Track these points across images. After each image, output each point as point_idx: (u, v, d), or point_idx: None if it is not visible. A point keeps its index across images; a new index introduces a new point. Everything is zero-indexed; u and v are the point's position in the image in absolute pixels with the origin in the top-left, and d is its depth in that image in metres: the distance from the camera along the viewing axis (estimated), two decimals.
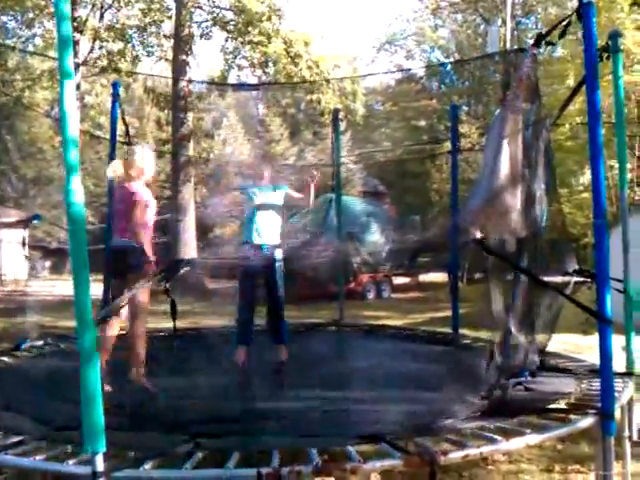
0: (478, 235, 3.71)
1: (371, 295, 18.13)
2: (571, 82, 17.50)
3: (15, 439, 3.39)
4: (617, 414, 3.84)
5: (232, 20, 19.99)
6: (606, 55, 5.11)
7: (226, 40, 20.68)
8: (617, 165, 5.58)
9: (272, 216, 5.87)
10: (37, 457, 3.12)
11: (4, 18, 24.81)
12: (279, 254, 5.85)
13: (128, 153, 5.67)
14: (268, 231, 5.82)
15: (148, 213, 5.20)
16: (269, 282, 5.79)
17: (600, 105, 4.03)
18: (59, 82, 2.89)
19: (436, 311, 11.45)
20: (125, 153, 5.96)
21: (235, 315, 5.96)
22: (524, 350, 4.38)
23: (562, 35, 4.42)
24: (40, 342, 6.63)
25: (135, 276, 4.85)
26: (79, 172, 2.84)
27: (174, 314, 5.97)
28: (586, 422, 3.62)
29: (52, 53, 26.59)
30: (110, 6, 23.91)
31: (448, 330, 7.47)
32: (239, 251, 6.09)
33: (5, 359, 5.86)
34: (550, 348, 5.02)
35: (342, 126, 19.53)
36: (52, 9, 22.29)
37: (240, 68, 20.95)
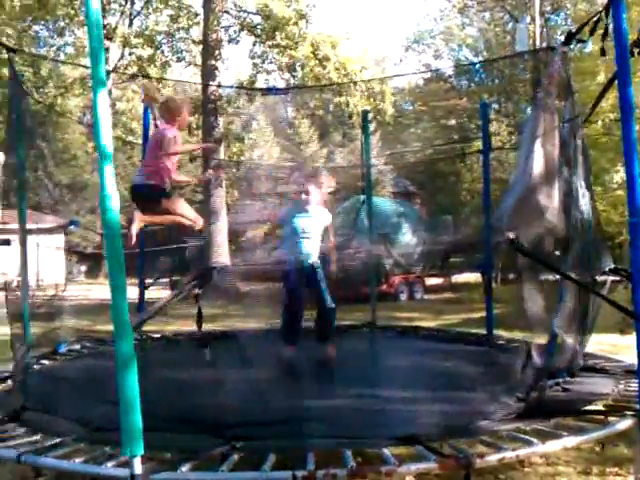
0: (512, 236, 3.67)
1: (403, 296, 18.04)
2: (602, 78, 17.26)
3: (54, 441, 3.46)
4: None
5: (259, 24, 20.11)
6: (638, 50, 5.03)
7: (254, 44, 20.81)
8: None
9: (314, 238, 6.04)
10: (76, 460, 3.17)
11: (36, 27, 25.26)
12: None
13: (168, 98, 6.07)
14: (311, 249, 5.98)
15: (171, 151, 5.38)
16: (312, 285, 5.88)
17: (633, 101, 3.97)
18: (92, 91, 2.93)
19: (470, 312, 11.35)
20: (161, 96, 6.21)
21: (275, 317, 6.06)
22: (569, 351, 4.33)
23: (592, 32, 4.37)
24: (78, 345, 6.74)
25: (150, 210, 5.43)
26: (113, 178, 2.89)
27: (200, 321, 6.09)
28: (624, 424, 3.57)
29: (83, 60, 27.08)
30: (139, 13, 24.24)
31: (482, 331, 7.40)
32: (279, 255, 6.23)
33: (44, 362, 5.97)
34: (587, 348, 4.96)
35: (371, 127, 19.49)
36: (82, 17, 22.69)
37: (268, 72, 21.04)
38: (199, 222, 5.74)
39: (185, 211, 5.58)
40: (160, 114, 5.75)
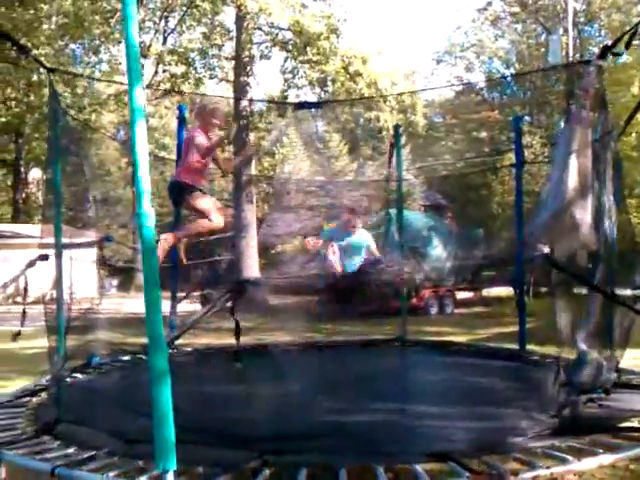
0: (546, 250, 3.64)
1: (434, 310, 17.93)
2: (636, 90, 17.06)
3: (88, 454, 3.50)
4: None
5: (291, 40, 20.28)
6: None
7: (285, 60, 21.00)
8: None
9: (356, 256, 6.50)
10: (110, 473, 3.19)
11: (72, 46, 25.80)
12: None
13: (200, 105, 6.73)
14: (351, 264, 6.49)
15: (202, 156, 5.91)
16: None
17: None
18: (130, 111, 2.98)
19: (501, 326, 11.23)
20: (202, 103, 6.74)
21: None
22: (598, 367, 4.26)
23: (628, 45, 4.33)
24: (109, 359, 6.82)
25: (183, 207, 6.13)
26: (149, 195, 2.94)
27: (238, 333, 6.15)
28: None
29: (117, 77, 27.55)
30: (173, 30, 24.62)
31: (514, 346, 7.32)
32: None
33: (78, 375, 6.04)
34: (622, 364, 4.87)
35: (402, 140, 19.50)
36: (117, 35, 23.12)
37: (299, 87, 21.20)
38: (219, 220, 6.01)
39: (206, 206, 5.87)
40: (195, 118, 6.38)
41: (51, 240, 5.65)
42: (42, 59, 16.76)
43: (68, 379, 5.75)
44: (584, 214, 3.94)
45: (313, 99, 21.74)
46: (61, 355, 5.61)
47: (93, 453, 3.50)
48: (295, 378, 5.49)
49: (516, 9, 33.44)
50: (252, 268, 18.77)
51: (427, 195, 31.38)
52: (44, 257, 5.40)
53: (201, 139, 5.93)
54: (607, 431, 3.64)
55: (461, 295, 19.05)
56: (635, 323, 4.44)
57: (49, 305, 5.74)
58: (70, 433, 3.94)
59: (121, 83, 19.52)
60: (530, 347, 7.16)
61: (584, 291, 4.59)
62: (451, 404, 4.53)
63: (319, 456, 3.46)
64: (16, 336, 5.45)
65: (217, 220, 5.99)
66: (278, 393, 4.98)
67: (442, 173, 30.63)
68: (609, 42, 4.80)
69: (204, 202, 5.96)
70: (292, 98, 21.71)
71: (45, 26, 22.10)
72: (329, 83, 20.30)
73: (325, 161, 33.77)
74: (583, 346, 4.18)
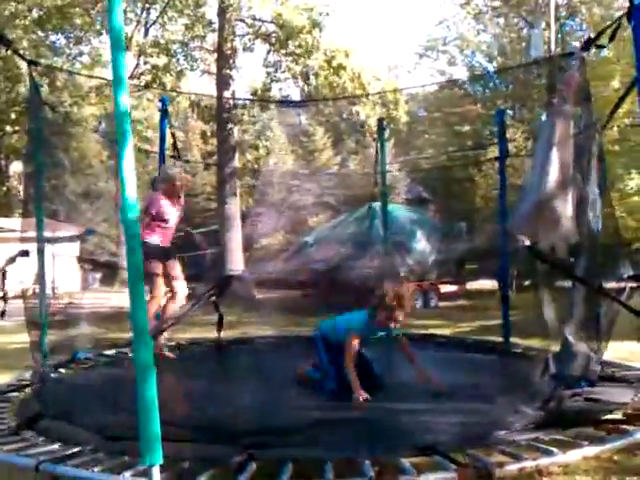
0: (527, 242, 3.66)
1: (418, 304, 17.98)
2: (616, 83, 17.20)
3: (73, 450, 3.47)
4: None
5: (274, 32, 20.20)
6: None
7: (268, 53, 20.91)
8: None
9: None
10: (94, 469, 3.17)
11: (53, 37, 25.50)
12: None
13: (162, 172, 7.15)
14: None
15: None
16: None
17: None
18: (114, 103, 2.95)
19: (485, 319, 11.28)
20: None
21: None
22: (584, 359, 4.29)
23: (612, 39, 4.35)
24: (94, 354, 6.77)
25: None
26: (135, 189, 2.91)
27: (220, 327, 6.15)
28: None
29: (99, 69, 27.29)
30: (154, 22, 24.43)
31: (499, 339, 7.36)
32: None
33: (62, 370, 5.99)
34: (605, 356, 4.91)
35: (385, 133, 19.52)
36: (99, 27, 22.90)
37: (282, 80, 21.13)
38: (158, 295, 6.60)
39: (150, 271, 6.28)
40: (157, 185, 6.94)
41: (32, 234, 5.60)
42: (21, 51, 16.57)
43: (52, 374, 5.70)
44: (565, 206, 3.96)
45: (296, 92, 21.73)
46: (44, 350, 5.58)
47: (78, 449, 3.47)
48: (279, 372, 5.49)
49: (498, 3, 33.56)
50: (236, 262, 18.72)
51: (410, 189, 31.49)
52: (24, 253, 5.35)
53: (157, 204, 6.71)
54: (591, 424, 3.67)
55: (445, 289, 19.13)
56: (618, 315, 4.48)
57: (30, 300, 5.69)
58: (54, 429, 3.91)
59: (102, 78, 19.37)
60: (514, 340, 7.21)
61: (568, 283, 4.61)
62: (437, 397, 4.54)
63: (305, 450, 3.45)
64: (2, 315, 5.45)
65: (157, 295, 6.34)
66: (263, 387, 4.97)
67: (425, 167, 30.70)
68: (591, 35, 4.82)
69: (149, 267, 6.29)
70: (275, 91, 21.65)
71: (25, 20, 21.80)
72: (312, 76, 20.25)
73: (308, 154, 33.75)
74: (569, 338, 4.21)
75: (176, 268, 6.84)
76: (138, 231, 2.93)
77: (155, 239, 6.61)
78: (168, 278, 6.67)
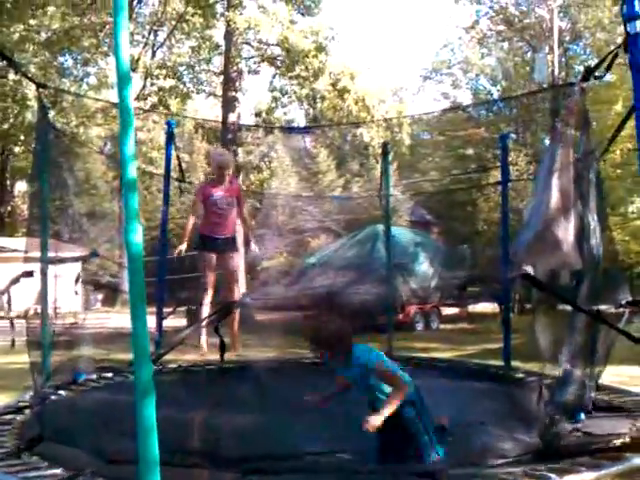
0: (529, 270, 3.68)
1: (420, 326, 17.94)
2: (619, 107, 17.28)
3: (71, 474, 3.47)
4: None
5: (280, 55, 20.38)
6: None
7: (274, 76, 21.10)
8: None
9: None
10: None
11: (61, 59, 25.75)
12: None
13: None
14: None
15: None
16: None
17: None
18: (119, 124, 2.99)
19: (487, 342, 11.25)
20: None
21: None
22: (579, 387, 4.29)
23: (610, 67, 4.41)
24: (95, 375, 6.76)
25: None
26: (138, 211, 2.95)
27: (222, 352, 6.12)
28: None
29: (106, 90, 27.50)
30: (162, 44, 24.69)
31: (499, 362, 7.35)
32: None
33: (62, 392, 5.99)
34: (605, 381, 4.91)
35: (389, 156, 19.62)
36: (106, 48, 23.13)
37: (287, 105, 21.30)
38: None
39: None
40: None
41: (36, 254, 5.64)
42: (29, 74, 16.73)
43: (53, 396, 5.70)
44: (566, 233, 3.98)
45: (301, 115, 21.87)
46: (45, 371, 5.58)
47: (76, 472, 3.47)
48: (279, 396, 5.47)
49: (502, 27, 33.83)
50: (239, 284, 18.67)
51: (413, 211, 31.53)
52: (28, 274, 5.38)
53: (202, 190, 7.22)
54: (589, 454, 3.66)
55: (447, 311, 19.10)
56: (616, 341, 4.49)
57: (32, 320, 5.71)
58: (54, 452, 3.90)
59: (107, 101, 19.53)
60: (515, 364, 7.19)
61: (567, 308, 4.62)
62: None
63: (302, 476, 3.45)
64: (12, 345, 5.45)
65: (207, 287, 6.51)
66: (262, 412, 4.96)
67: (429, 190, 30.79)
68: (594, 61, 4.90)
69: (200, 257, 6.52)
70: (281, 113, 21.81)
71: (34, 44, 22.04)
72: (318, 100, 20.41)
73: (312, 176, 33.85)
74: (567, 365, 4.21)
75: (230, 261, 6.93)
76: (141, 252, 2.95)
77: (208, 229, 6.99)
78: (224, 270, 6.80)
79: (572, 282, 4.40)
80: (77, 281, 6.37)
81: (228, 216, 7.41)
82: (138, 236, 2.92)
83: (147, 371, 2.88)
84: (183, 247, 7.38)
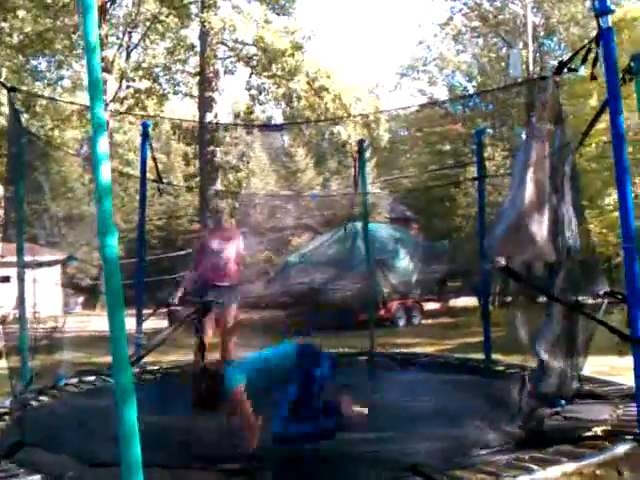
0: (503, 262, 3.71)
1: (402, 322, 17.99)
2: (594, 102, 17.44)
3: (53, 477, 3.45)
4: None
5: (256, 55, 20.30)
6: (629, 77, 5.12)
7: (250, 76, 21.01)
8: None
9: None
10: None
11: (34, 62, 25.44)
12: None
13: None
14: None
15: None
16: None
17: (624, 128, 4.04)
18: (92, 130, 2.98)
19: (468, 336, 11.33)
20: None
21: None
22: (560, 377, 4.34)
23: (584, 61, 4.45)
24: (76, 379, 6.71)
25: None
26: (112, 215, 2.93)
27: (203, 352, 6.09)
28: (623, 448, 3.58)
29: (81, 92, 27.20)
30: (136, 46, 24.49)
31: (480, 356, 7.40)
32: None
33: (43, 398, 5.93)
34: (586, 371, 4.96)
35: (367, 153, 19.65)
36: (79, 50, 22.87)
37: (264, 103, 21.21)
38: None
39: None
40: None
41: (13, 259, 5.58)
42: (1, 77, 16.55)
43: (33, 402, 5.65)
44: (540, 226, 4.01)
45: (278, 114, 21.82)
46: (25, 376, 5.52)
47: (56, 478, 3.45)
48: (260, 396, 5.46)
49: (477, 23, 33.99)
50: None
51: (392, 207, 31.61)
52: (5, 279, 5.33)
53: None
54: (571, 442, 3.70)
55: (428, 306, 19.17)
56: (596, 331, 4.53)
57: (10, 325, 5.65)
58: (34, 458, 3.88)
59: (80, 104, 19.33)
60: (496, 356, 7.25)
61: (545, 300, 4.66)
62: (419, 418, 4.56)
63: (285, 477, 3.45)
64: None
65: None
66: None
67: (407, 186, 30.89)
68: (568, 56, 4.93)
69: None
70: (258, 113, 21.71)
71: (5, 48, 21.73)
72: (294, 99, 20.36)
73: (290, 175, 33.82)
74: (545, 356, 4.25)
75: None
76: (116, 255, 2.94)
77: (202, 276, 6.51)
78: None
79: (546, 274, 4.44)
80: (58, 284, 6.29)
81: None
82: (113, 239, 2.91)
83: (126, 374, 2.87)
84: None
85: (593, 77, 4.47)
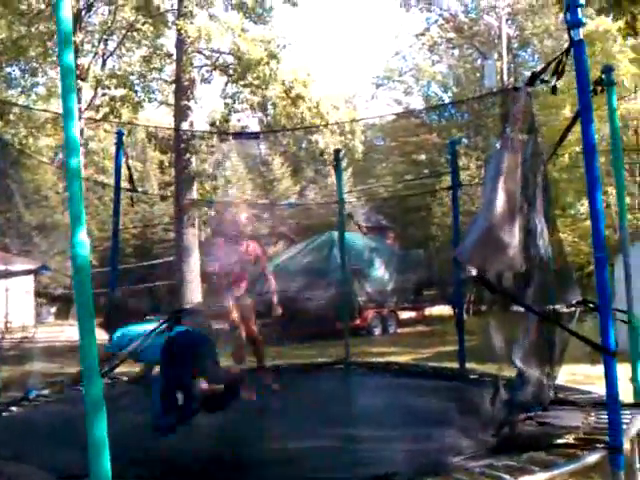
0: (474, 272, 3.72)
1: (377, 331, 18.02)
2: (567, 112, 17.71)
3: None
4: (627, 446, 3.81)
5: (232, 64, 20.29)
6: (600, 89, 5.19)
7: (226, 84, 20.97)
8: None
9: None
10: None
11: (8, 69, 25.18)
12: None
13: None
14: None
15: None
16: None
17: (595, 139, 4.09)
18: (64, 133, 2.95)
19: (443, 345, 11.38)
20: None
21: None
22: (535, 385, 4.36)
23: (555, 73, 4.50)
24: (47, 390, 6.61)
25: None
26: (85, 224, 2.90)
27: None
28: (594, 457, 3.60)
29: (55, 100, 26.95)
30: (112, 53, 24.35)
31: (455, 364, 7.43)
32: None
33: (13, 409, 5.84)
34: (559, 380, 5.00)
35: (343, 163, 19.69)
36: (54, 57, 22.69)
37: (240, 111, 21.17)
38: None
39: None
40: None
41: None
42: None
43: (3, 413, 5.56)
44: (510, 236, 4.03)
45: (254, 123, 21.79)
46: None
47: None
48: (237, 404, 5.43)
49: (452, 35, 34.36)
50: (195, 293, 18.55)
51: (368, 217, 31.70)
52: None
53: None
54: (543, 448, 3.72)
55: (404, 315, 19.23)
56: (569, 340, 4.57)
57: None
58: (4, 469, 3.81)
59: (57, 113, 19.15)
60: (470, 365, 7.28)
61: (519, 309, 4.69)
62: (392, 427, 4.56)
63: None
64: None
65: None
66: (221, 420, 4.92)
67: (383, 195, 31.02)
68: (540, 67, 4.99)
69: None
70: (234, 122, 21.65)
71: None
72: (270, 107, 20.37)
73: (267, 184, 33.80)
74: (520, 364, 4.27)
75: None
76: (88, 264, 2.90)
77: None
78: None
79: (517, 283, 4.46)
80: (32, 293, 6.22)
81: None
82: (84, 248, 2.88)
83: (97, 385, 2.83)
84: None
85: (554, 91, 4.55)
